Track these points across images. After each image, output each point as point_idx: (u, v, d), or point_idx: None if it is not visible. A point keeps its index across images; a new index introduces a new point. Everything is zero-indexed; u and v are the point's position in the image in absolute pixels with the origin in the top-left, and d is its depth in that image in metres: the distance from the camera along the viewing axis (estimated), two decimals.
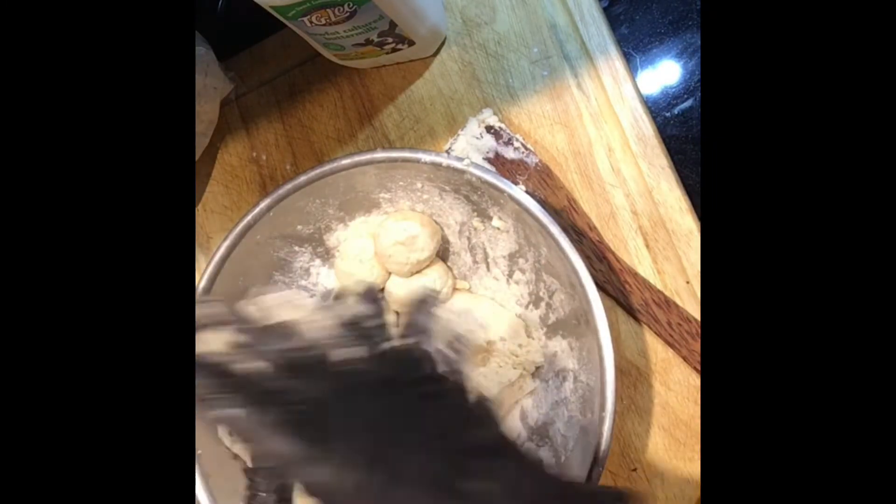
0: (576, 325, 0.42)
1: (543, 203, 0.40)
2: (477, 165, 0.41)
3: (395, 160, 0.43)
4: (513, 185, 0.40)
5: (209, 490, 0.41)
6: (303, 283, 0.51)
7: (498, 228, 0.46)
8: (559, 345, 0.45)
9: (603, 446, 0.37)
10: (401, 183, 0.46)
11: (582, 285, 0.38)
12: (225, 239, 0.44)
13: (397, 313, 0.50)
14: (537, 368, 0.46)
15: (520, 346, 0.46)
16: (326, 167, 0.43)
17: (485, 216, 0.46)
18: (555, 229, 0.39)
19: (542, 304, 0.46)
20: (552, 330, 0.46)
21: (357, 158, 0.43)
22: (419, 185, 0.46)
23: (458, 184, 0.43)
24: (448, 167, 0.42)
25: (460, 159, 0.41)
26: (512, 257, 0.47)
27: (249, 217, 0.44)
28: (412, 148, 0.52)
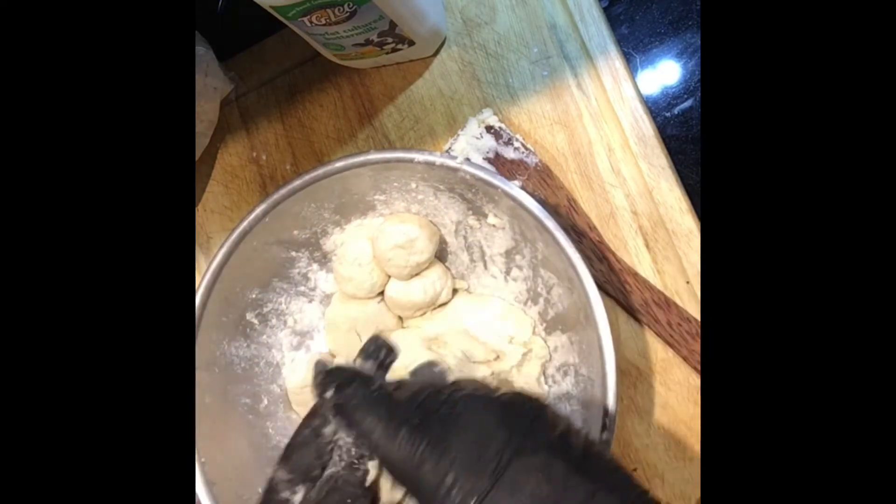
0: (575, 318, 0.42)
1: (538, 199, 0.40)
2: (470, 163, 0.41)
3: (388, 161, 0.43)
4: (506, 181, 0.40)
5: (213, 498, 0.41)
6: (301, 288, 0.51)
7: (494, 225, 0.46)
8: (559, 340, 0.45)
9: (605, 437, 0.37)
10: (395, 184, 0.46)
11: (579, 278, 0.38)
12: (221, 246, 0.44)
13: (400, 318, 0.49)
14: (543, 364, 0.46)
15: (524, 343, 0.46)
16: (320, 170, 0.43)
17: (480, 214, 0.46)
18: (550, 223, 0.39)
19: (541, 300, 0.46)
20: (551, 325, 0.46)
21: (350, 160, 0.43)
22: (414, 186, 0.46)
23: (453, 182, 0.43)
24: (442, 166, 0.42)
25: (453, 157, 0.41)
26: (509, 254, 0.47)
27: (245, 223, 0.44)
28: (405, 148, 0.52)
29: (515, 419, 0.28)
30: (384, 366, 0.36)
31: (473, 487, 0.25)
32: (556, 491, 0.25)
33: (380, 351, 0.36)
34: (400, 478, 0.28)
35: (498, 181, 0.40)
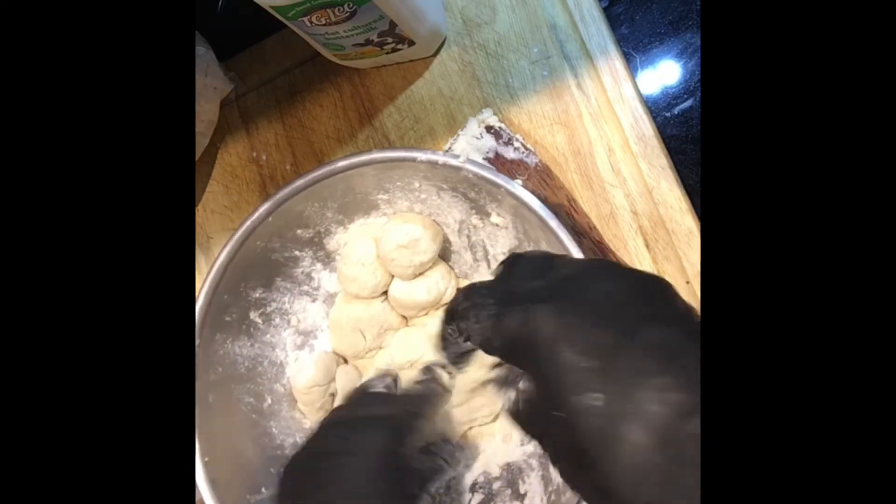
0: None
1: (541, 198, 0.40)
2: (473, 162, 0.41)
3: (391, 160, 0.43)
4: (510, 180, 0.40)
5: (216, 497, 0.41)
6: (305, 287, 0.51)
7: (497, 225, 0.46)
8: None
9: None
10: (398, 183, 0.46)
11: None
12: (225, 245, 0.44)
13: (405, 318, 0.49)
14: None
15: None
16: (324, 170, 0.43)
17: (483, 213, 0.46)
18: (554, 223, 0.39)
19: None
20: None
21: (354, 160, 0.43)
22: (417, 185, 0.46)
23: (456, 181, 0.43)
24: (445, 165, 0.42)
25: (456, 156, 0.41)
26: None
27: (249, 223, 0.44)
28: (408, 147, 0.52)
29: (644, 289, 0.27)
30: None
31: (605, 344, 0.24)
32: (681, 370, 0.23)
33: None
34: (527, 358, 0.26)
35: (501, 180, 0.40)
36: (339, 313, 0.49)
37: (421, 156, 0.42)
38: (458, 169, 0.41)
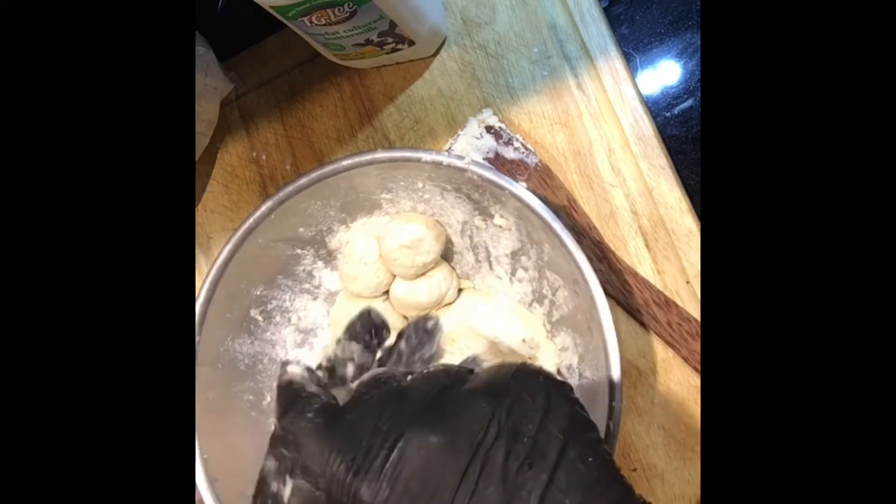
0: (580, 321, 0.42)
1: (541, 198, 0.40)
2: (478, 163, 0.41)
3: (396, 160, 0.43)
4: (514, 183, 0.40)
5: (215, 495, 0.41)
6: (306, 286, 0.51)
7: (500, 226, 0.46)
8: (563, 341, 0.45)
9: (609, 441, 0.37)
10: (402, 183, 0.46)
11: (585, 281, 0.38)
12: (227, 242, 0.44)
13: (405, 317, 0.49)
14: (567, 367, 0.46)
15: (538, 344, 0.46)
16: (327, 168, 0.43)
17: (486, 214, 0.46)
18: (557, 226, 0.39)
19: (546, 302, 0.46)
20: (556, 327, 0.46)
21: (358, 159, 0.43)
22: (420, 185, 0.46)
23: (460, 182, 0.43)
24: (449, 166, 0.42)
25: (461, 158, 0.41)
26: (514, 255, 0.47)
27: (251, 220, 0.44)
28: (413, 147, 0.52)
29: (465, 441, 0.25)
30: (372, 347, 0.33)
31: None
32: None
33: (367, 332, 0.33)
34: None
35: (505, 182, 0.40)
36: (340, 312, 0.49)
37: (426, 156, 0.42)
38: (462, 170, 0.41)
